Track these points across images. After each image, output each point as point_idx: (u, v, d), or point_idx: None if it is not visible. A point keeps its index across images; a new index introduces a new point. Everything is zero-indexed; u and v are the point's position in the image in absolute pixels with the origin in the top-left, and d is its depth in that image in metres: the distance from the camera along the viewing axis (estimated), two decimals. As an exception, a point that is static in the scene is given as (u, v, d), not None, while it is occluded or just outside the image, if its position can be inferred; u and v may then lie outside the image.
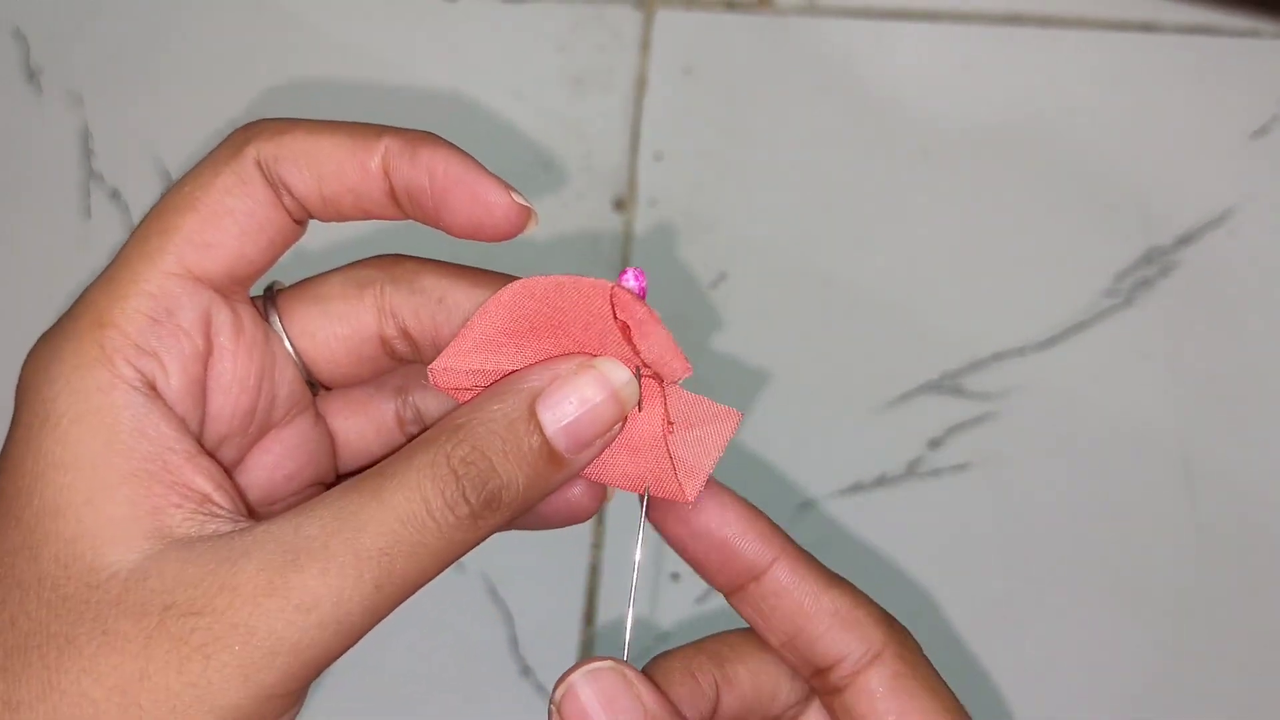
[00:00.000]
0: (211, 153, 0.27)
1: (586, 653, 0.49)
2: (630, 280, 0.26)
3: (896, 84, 0.59)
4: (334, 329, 0.28)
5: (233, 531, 0.24)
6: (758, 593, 0.28)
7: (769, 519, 0.28)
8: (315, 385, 0.29)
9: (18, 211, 0.57)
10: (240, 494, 0.26)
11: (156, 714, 0.22)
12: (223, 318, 0.26)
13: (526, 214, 0.27)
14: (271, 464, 0.28)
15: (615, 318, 0.26)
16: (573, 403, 0.26)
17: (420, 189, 0.26)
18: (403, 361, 0.29)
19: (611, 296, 0.26)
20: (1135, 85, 0.58)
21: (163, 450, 0.24)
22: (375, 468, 0.25)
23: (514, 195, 0.26)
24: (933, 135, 0.58)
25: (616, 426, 0.26)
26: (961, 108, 0.58)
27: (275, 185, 0.26)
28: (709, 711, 0.29)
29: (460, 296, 0.27)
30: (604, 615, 0.49)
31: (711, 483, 0.28)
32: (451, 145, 0.27)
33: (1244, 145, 0.57)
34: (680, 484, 0.27)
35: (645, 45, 0.60)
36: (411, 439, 0.30)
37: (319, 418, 0.29)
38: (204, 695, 0.22)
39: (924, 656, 0.28)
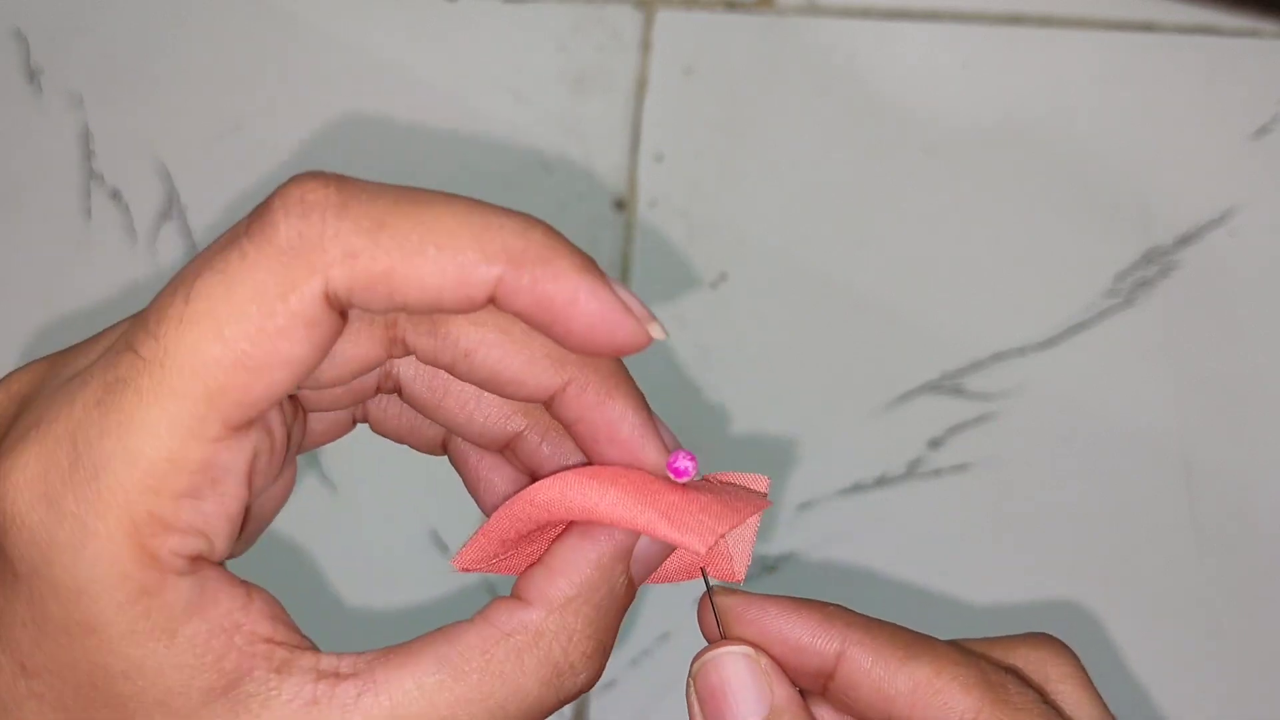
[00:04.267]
0: (255, 262, 0.21)
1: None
2: (685, 464, 0.26)
3: (897, 84, 0.59)
4: (338, 373, 0.24)
5: (316, 700, 0.22)
6: (836, 690, 0.27)
7: (821, 604, 0.27)
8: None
9: (18, 211, 0.57)
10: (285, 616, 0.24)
11: None
12: (262, 449, 0.23)
13: (651, 340, 0.23)
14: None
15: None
16: (659, 554, 0.25)
17: (540, 325, 0.23)
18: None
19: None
20: (1135, 85, 0.58)
21: (221, 627, 0.22)
22: (470, 648, 0.23)
23: (652, 329, 0.23)
24: (933, 135, 0.58)
25: None
26: (962, 108, 0.58)
27: (345, 313, 0.22)
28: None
29: (494, 355, 0.24)
30: (604, 615, 0.49)
31: (753, 596, 0.27)
32: (575, 261, 0.22)
33: (1244, 145, 0.57)
34: (731, 564, 0.27)
35: (646, 45, 0.60)
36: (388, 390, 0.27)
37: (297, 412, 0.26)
38: None
39: (1033, 702, 0.26)
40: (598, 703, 0.48)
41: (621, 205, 0.56)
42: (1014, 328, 0.53)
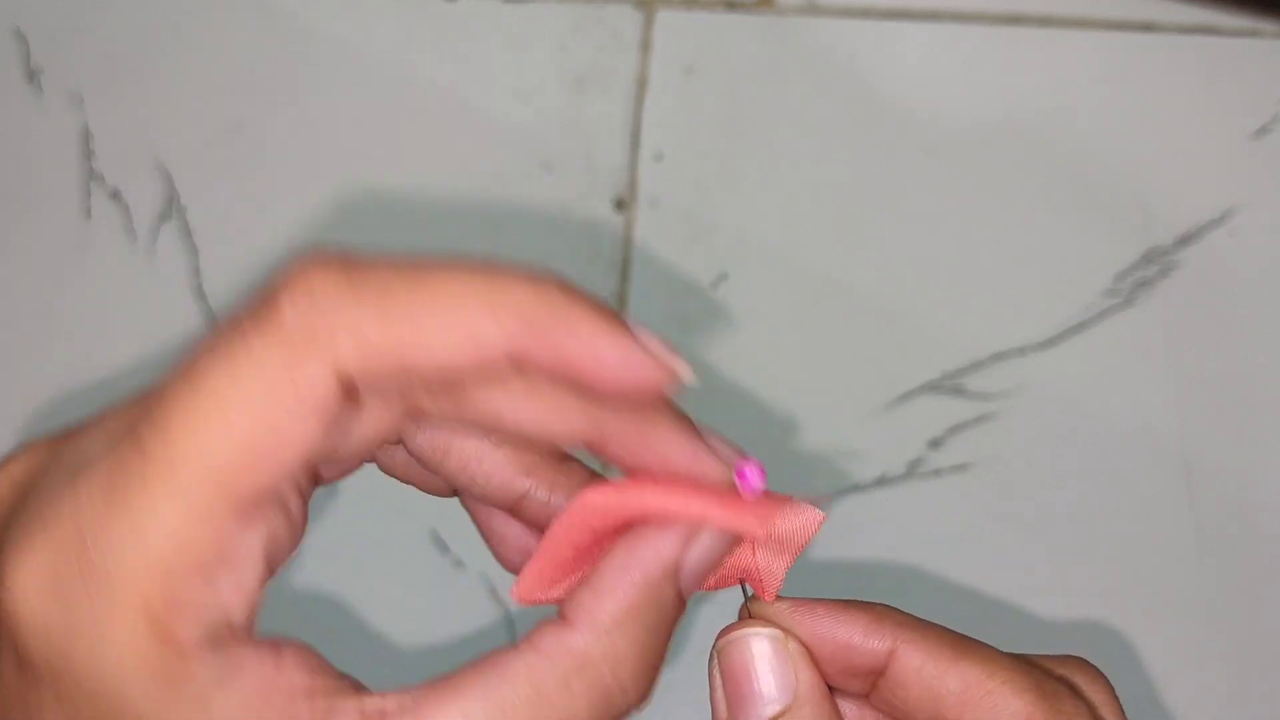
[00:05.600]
0: (262, 351, 0.21)
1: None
2: (753, 479, 0.25)
3: (897, 84, 0.59)
4: (356, 451, 0.24)
5: None
6: (887, 688, 0.26)
7: (869, 605, 0.27)
8: None
9: (18, 212, 0.57)
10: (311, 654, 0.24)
11: None
12: (278, 525, 0.22)
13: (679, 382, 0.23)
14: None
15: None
16: (707, 566, 0.25)
17: (562, 380, 0.22)
18: None
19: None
20: (1135, 85, 0.58)
21: (255, 691, 0.21)
22: (517, 677, 0.22)
23: (679, 367, 0.22)
24: (933, 135, 0.58)
25: None
26: (962, 108, 0.58)
27: (360, 398, 0.22)
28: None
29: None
30: (604, 615, 0.49)
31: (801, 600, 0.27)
32: (592, 314, 0.22)
33: (1244, 145, 0.57)
34: (761, 579, 0.27)
35: (646, 45, 0.60)
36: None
37: None
38: None
39: (1086, 712, 0.26)
40: (598, 703, 0.48)
41: (621, 205, 0.56)
42: (1014, 328, 0.53)
